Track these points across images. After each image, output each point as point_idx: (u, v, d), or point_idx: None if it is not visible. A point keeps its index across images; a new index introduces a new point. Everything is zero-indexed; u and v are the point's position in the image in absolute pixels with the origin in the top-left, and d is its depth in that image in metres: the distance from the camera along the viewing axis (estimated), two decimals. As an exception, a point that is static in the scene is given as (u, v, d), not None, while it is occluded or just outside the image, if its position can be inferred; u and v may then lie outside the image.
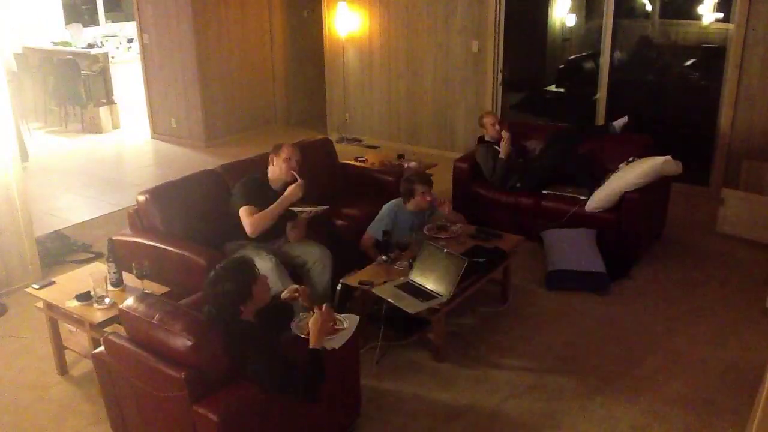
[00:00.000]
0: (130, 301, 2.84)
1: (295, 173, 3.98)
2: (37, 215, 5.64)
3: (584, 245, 4.69)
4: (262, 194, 3.95)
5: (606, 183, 4.92)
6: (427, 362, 3.83)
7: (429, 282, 3.79)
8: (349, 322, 3.01)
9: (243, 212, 3.87)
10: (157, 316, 2.70)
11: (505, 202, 5.24)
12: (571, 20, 7.85)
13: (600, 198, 4.87)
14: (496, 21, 6.95)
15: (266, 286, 2.87)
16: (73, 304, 3.52)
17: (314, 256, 4.05)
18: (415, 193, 4.38)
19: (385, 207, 4.49)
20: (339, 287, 3.98)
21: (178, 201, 4.22)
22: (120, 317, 2.91)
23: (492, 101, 7.17)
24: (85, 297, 3.54)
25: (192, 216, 4.20)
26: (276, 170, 4.03)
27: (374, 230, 4.40)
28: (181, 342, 2.58)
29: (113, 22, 10.49)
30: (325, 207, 4.07)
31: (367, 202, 4.96)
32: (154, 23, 8.19)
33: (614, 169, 5.00)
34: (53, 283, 3.76)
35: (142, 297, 2.88)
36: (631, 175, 4.79)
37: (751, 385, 3.50)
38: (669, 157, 4.78)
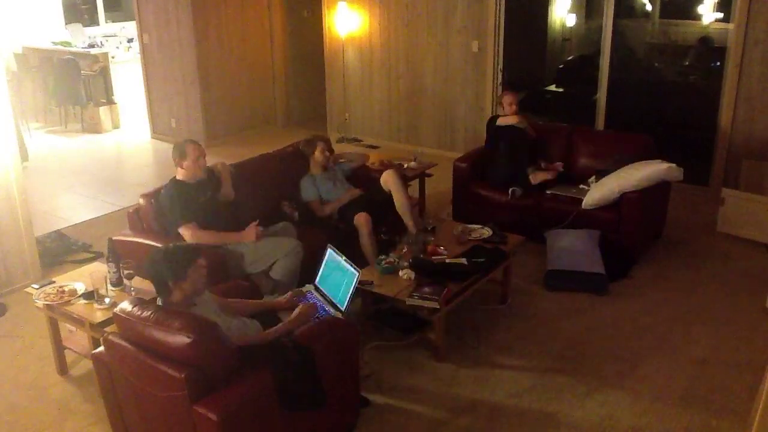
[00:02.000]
0: (123, 305, 2.82)
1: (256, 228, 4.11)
2: (37, 215, 5.64)
3: (586, 246, 4.68)
4: (191, 201, 4.03)
5: (604, 181, 4.92)
6: (427, 362, 3.83)
7: (332, 290, 3.59)
8: None
9: (185, 232, 3.96)
10: (153, 316, 2.69)
11: (505, 202, 5.24)
12: (571, 20, 7.86)
13: (597, 196, 4.86)
14: (496, 21, 6.95)
15: (203, 272, 2.97)
16: (80, 303, 3.53)
17: (284, 250, 4.11)
18: (315, 151, 4.82)
19: (302, 182, 4.83)
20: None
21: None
22: (114, 322, 2.89)
23: (492, 101, 7.16)
24: (89, 296, 3.55)
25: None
26: (189, 172, 4.10)
27: (309, 196, 4.79)
28: (180, 339, 2.58)
29: (113, 22, 10.49)
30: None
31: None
32: (154, 23, 8.19)
33: (609, 168, 5.01)
34: (53, 283, 3.76)
35: (134, 300, 2.87)
36: (632, 177, 4.77)
37: (751, 385, 3.50)
38: (673, 165, 4.77)
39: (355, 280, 3.42)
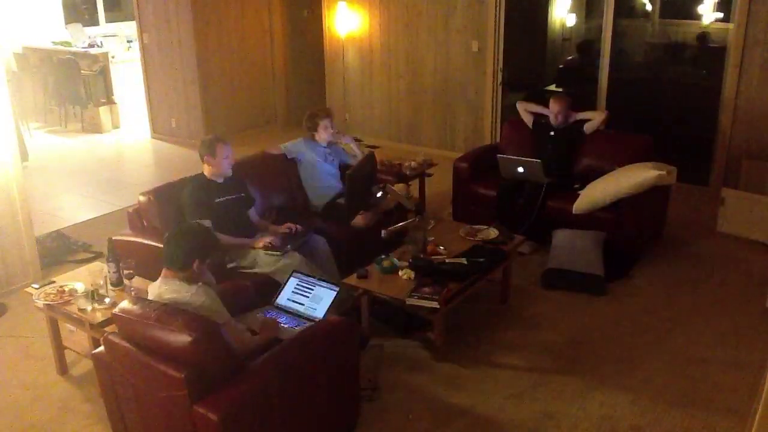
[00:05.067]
0: (123, 305, 2.81)
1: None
2: (37, 215, 5.64)
3: (588, 247, 4.66)
4: (204, 199, 4.04)
5: (595, 185, 4.90)
6: (427, 362, 3.83)
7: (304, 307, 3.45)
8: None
9: None
10: (153, 315, 2.69)
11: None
12: (571, 20, 7.86)
13: (587, 202, 4.84)
14: (496, 21, 6.95)
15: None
16: (80, 302, 3.53)
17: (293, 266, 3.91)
18: (318, 127, 4.88)
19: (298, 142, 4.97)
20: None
21: (178, 201, 4.22)
22: (114, 322, 2.89)
23: (492, 101, 7.17)
24: (89, 296, 3.54)
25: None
26: (216, 168, 4.12)
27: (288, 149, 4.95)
28: (181, 339, 2.57)
29: (113, 22, 10.49)
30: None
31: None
32: (154, 23, 8.19)
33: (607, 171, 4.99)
34: (53, 283, 3.76)
35: (134, 300, 2.86)
36: (623, 184, 4.70)
37: (751, 385, 3.50)
38: (663, 173, 4.71)
39: (333, 297, 3.38)
